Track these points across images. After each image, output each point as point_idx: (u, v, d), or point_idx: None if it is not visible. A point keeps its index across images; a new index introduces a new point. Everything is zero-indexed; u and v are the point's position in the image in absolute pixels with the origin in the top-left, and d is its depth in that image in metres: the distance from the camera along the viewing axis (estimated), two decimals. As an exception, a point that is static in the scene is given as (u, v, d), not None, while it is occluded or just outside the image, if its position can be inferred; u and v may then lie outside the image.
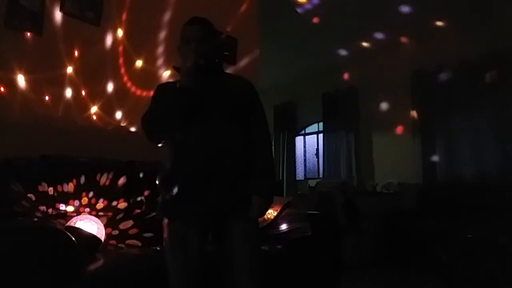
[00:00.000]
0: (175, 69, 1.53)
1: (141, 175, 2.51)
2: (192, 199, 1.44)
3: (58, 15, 2.55)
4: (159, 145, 1.55)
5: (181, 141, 1.48)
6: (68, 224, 2.00)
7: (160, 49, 3.10)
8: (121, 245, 2.20)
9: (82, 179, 2.26)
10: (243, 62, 3.66)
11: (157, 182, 1.56)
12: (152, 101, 1.59)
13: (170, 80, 1.59)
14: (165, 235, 1.49)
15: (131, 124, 2.91)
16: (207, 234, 1.52)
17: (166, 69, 3.11)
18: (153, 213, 2.32)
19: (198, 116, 1.46)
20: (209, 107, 1.48)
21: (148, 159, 2.65)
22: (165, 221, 1.50)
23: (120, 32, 2.87)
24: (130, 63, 2.93)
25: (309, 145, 6.94)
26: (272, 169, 1.60)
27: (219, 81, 1.56)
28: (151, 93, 3.13)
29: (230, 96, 1.53)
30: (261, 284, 1.48)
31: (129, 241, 2.23)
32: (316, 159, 6.66)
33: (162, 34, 3.12)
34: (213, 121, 1.47)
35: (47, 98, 2.50)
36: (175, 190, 1.46)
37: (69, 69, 2.60)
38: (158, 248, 1.97)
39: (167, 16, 3.14)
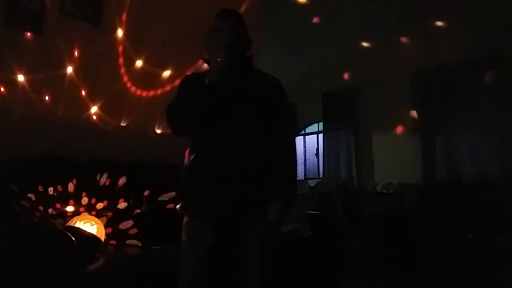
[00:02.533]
0: (204, 60, 1.52)
1: (141, 175, 2.51)
2: (208, 198, 1.43)
3: (58, 15, 2.55)
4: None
5: (203, 139, 1.47)
6: (68, 224, 2.00)
7: (160, 49, 3.09)
8: (121, 245, 2.20)
9: (82, 179, 2.26)
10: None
11: (180, 177, 1.56)
12: (178, 92, 1.57)
13: (194, 72, 1.55)
14: (183, 231, 1.49)
15: (131, 124, 2.91)
16: (222, 234, 1.49)
17: (166, 69, 3.11)
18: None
19: (223, 114, 1.44)
20: (235, 105, 1.46)
21: (148, 159, 2.66)
22: (185, 218, 1.50)
23: (120, 32, 2.87)
24: (130, 63, 2.93)
25: (309, 145, 6.94)
26: (294, 174, 1.56)
27: (248, 78, 1.53)
28: (151, 93, 3.14)
29: (257, 95, 1.50)
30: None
31: (129, 241, 2.23)
32: (316, 159, 6.66)
33: (162, 34, 3.12)
34: (237, 120, 1.45)
35: (47, 98, 2.50)
36: (194, 188, 1.47)
37: (69, 69, 2.60)
38: (157, 248, 1.98)
39: (167, 16, 3.14)
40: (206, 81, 1.39)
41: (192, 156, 1.49)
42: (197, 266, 1.44)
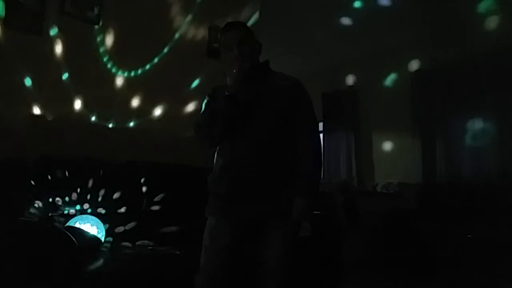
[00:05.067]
0: (224, 74, 1.55)
1: (141, 175, 2.51)
2: (233, 201, 1.47)
3: (58, 15, 2.55)
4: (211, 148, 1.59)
5: (227, 145, 1.51)
6: (68, 224, 2.00)
7: (161, 49, 3.10)
8: (121, 245, 2.20)
9: (82, 179, 2.26)
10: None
11: (207, 181, 1.59)
12: (203, 107, 1.62)
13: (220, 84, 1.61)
14: (206, 230, 1.53)
15: (130, 124, 2.91)
16: (244, 236, 1.53)
17: (166, 69, 3.11)
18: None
19: (245, 121, 1.47)
20: (256, 112, 1.49)
21: (148, 159, 2.66)
22: (208, 218, 1.54)
23: (120, 32, 2.86)
24: (130, 63, 2.93)
25: (309, 145, 6.92)
26: (315, 170, 1.56)
27: (267, 82, 1.56)
28: (151, 92, 3.11)
29: (277, 98, 1.53)
30: None
31: (129, 241, 2.23)
32: (316, 159, 6.64)
33: (162, 34, 3.12)
34: (259, 126, 1.48)
35: (47, 98, 2.50)
36: (219, 191, 1.50)
37: (69, 69, 2.60)
38: (158, 248, 1.99)
39: (167, 16, 3.14)
40: (226, 93, 1.43)
41: (218, 161, 1.54)
42: (216, 264, 1.47)
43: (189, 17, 3.27)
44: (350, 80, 5.93)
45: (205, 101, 1.63)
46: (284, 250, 1.49)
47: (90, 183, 2.29)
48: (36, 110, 2.45)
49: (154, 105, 3.03)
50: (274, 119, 1.49)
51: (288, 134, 1.51)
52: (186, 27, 3.25)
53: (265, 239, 1.49)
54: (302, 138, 1.53)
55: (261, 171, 1.45)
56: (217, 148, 1.57)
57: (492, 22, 4.25)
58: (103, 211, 2.28)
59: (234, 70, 1.43)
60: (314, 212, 1.54)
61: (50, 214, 2.08)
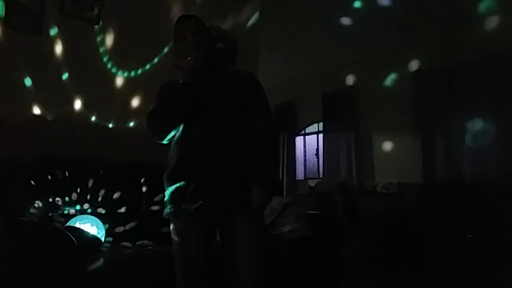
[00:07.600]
0: (177, 67, 1.53)
1: (141, 175, 2.51)
2: (194, 196, 1.43)
3: (58, 15, 2.55)
4: (164, 142, 1.53)
5: (185, 138, 1.48)
6: (68, 224, 2.00)
7: (161, 49, 3.09)
8: (121, 245, 2.20)
9: (83, 179, 2.26)
10: (242, 62, 3.64)
11: (163, 179, 1.54)
12: (157, 99, 1.58)
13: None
14: (171, 232, 1.50)
15: (130, 124, 2.91)
16: (212, 232, 1.51)
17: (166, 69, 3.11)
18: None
19: (202, 112, 1.45)
20: (213, 102, 1.47)
21: (148, 159, 2.66)
22: (172, 217, 1.50)
23: (120, 32, 2.86)
24: (130, 63, 2.93)
25: (309, 145, 6.93)
26: (273, 161, 1.58)
27: (222, 74, 1.56)
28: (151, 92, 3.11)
29: (234, 89, 1.52)
30: (265, 284, 1.46)
31: (129, 241, 2.23)
32: (316, 159, 6.66)
33: (163, 34, 3.12)
34: (216, 117, 1.46)
35: (47, 98, 2.50)
36: (179, 187, 1.46)
37: (69, 69, 2.60)
38: (157, 248, 1.99)
39: (167, 15, 3.14)
40: (180, 81, 1.40)
41: (175, 156, 1.49)
42: (190, 263, 1.45)
43: (189, 17, 3.27)
44: (350, 80, 5.92)
45: (159, 92, 1.60)
46: (253, 246, 1.45)
47: (90, 183, 2.29)
48: (36, 110, 2.45)
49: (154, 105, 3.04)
50: (230, 110, 1.48)
51: (244, 125, 1.50)
52: (186, 27, 3.25)
53: (233, 236, 1.46)
54: (258, 129, 1.52)
55: (218, 162, 1.43)
56: (173, 143, 1.53)
57: (492, 22, 4.25)
58: (103, 211, 2.28)
59: (189, 58, 1.40)
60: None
61: (50, 214, 2.08)
